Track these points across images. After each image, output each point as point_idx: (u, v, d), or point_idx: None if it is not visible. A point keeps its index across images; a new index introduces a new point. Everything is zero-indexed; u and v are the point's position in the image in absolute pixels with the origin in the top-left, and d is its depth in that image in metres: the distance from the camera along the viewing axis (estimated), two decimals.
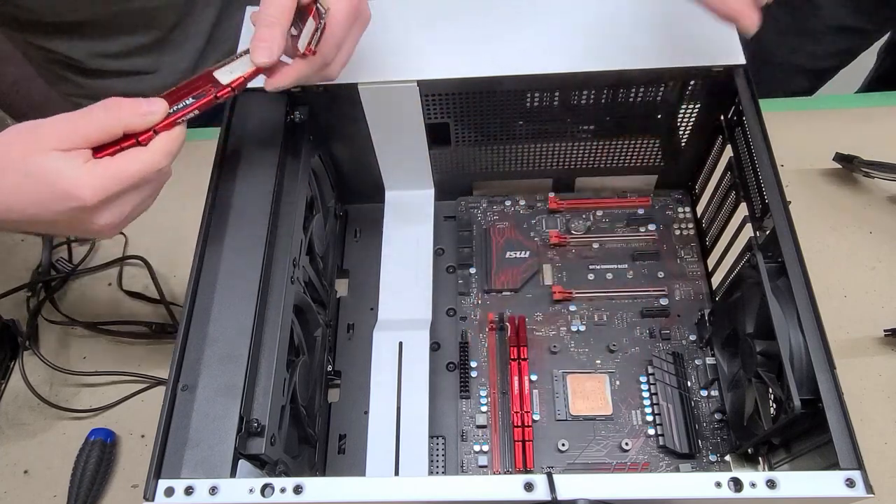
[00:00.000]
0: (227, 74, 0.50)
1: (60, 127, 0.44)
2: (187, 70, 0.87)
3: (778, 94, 0.87)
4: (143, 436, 0.67)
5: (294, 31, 0.49)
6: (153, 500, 0.42)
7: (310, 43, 0.49)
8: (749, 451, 0.59)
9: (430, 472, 0.61)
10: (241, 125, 0.59)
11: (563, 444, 0.62)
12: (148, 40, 0.83)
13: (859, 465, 0.42)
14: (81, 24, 0.78)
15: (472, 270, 0.73)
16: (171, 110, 0.48)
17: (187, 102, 0.49)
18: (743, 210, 0.60)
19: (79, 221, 0.45)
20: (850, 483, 0.42)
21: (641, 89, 0.63)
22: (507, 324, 0.68)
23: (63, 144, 0.43)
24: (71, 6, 0.75)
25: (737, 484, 0.41)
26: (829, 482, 0.42)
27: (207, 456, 0.44)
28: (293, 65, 0.50)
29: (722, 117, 0.64)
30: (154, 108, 0.46)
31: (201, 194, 0.55)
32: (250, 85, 0.60)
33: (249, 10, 0.66)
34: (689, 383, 0.64)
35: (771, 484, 0.41)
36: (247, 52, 0.49)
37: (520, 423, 0.62)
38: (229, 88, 0.49)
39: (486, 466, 0.63)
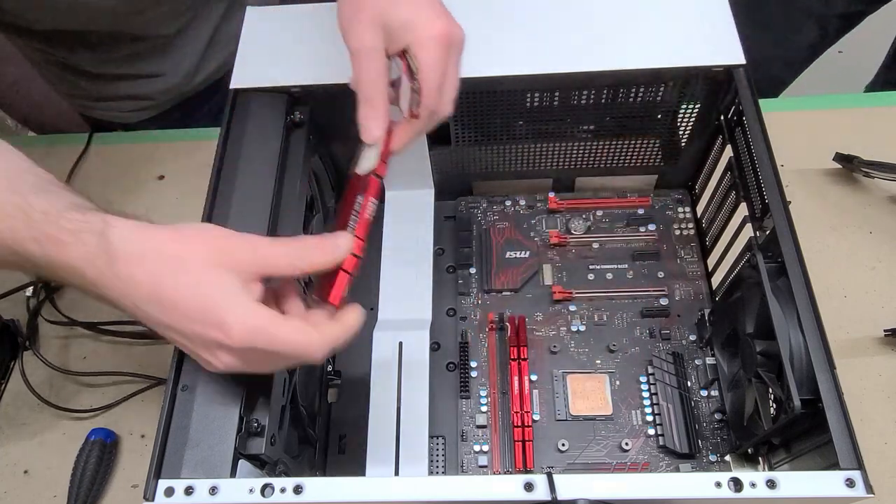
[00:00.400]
0: (365, 163, 0.49)
1: (247, 252, 0.42)
2: (190, 71, 0.87)
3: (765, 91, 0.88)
4: (143, 436, 0.67)
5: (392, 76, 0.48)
6: (153, 500, 0.43)
7: (411, 106, 0.48)
8: (749, 451, 0.59)
9: (430, 473, 0.61)
10: (241, 125, 0.59)
11: (563, 444, 0.62)
12: (151, 46, 0.83)
13: (859, 465, 0.42)
14: (84, 34, 0.78)
15: (472, 270, 0.73)
16: (352, 221, 0.47)
17: (356, 206, 0.48)
18: (743, 210, 0.60)
19: (215, 348, 0.42)
20: (850, 483, 0.42)
21: (641, 89, 0.63)
22: (507, 324, 0.68)
23: (243, 269, 0.42)
24: (73, 20, 0.75)
25: (737, 484, 0.41)
26: (829, 482, 0.42)
27: (207, 456, 0.44)
28: (404, 127, 0.49)
29: (722, 117, 0.64)
30: (341, 244, 0.45)
31: (201, 194, 0.55)
32: (249, 85, 0.61)
33: (250, 10, 0.66)
34: (689, 383, 0.64)
35: (771, 484, 0.41)
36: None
37: (520, 423, 0.62)
38: (373, 173, 0.49)
39: (486, 466, 0.63)
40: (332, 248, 0.45)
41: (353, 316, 0.45)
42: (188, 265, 0.41)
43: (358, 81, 0.47)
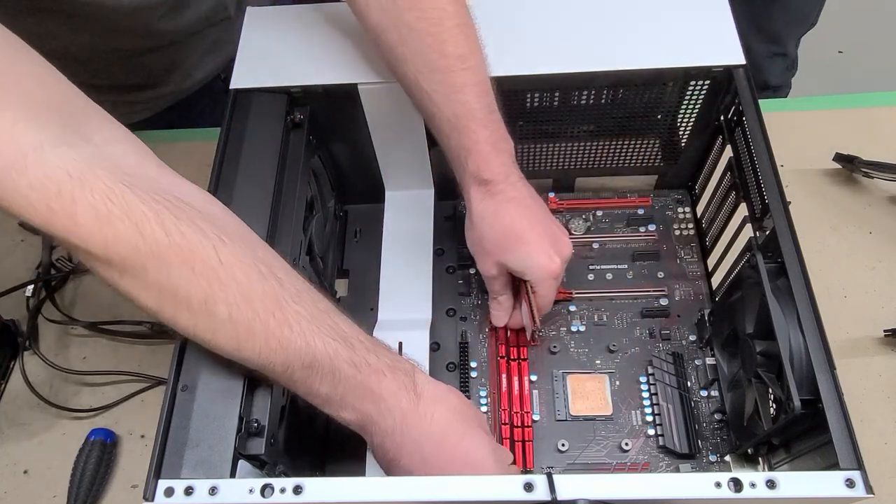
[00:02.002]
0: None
1: (486, 426, 0.53)
2: (190, 75, 0.86)
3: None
4: (143, 436, 0.67)
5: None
6: (153, 500, 0.42)
7: (533, 321, 0.61)
8: (749, 451, 0.59)
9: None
10: (241, 125, 0.59)
11: (563, 445, 0.62)
12: (159, 58, 0.83)
13: (859, 466, 0.42)
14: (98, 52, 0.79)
15: (472, 270, 0.72)
16: None
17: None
18: (743, 210, 0.60)
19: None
20: (850, 483, 0.42)
21: (641, 89, 0.63)
22: (506, 326, 0.68)
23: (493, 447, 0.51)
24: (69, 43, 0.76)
25: (737, 484, 0.41)
26: (829, 482, 0.42)
27: (207, 456, 0.44)
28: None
29: (722, 117, 0.64)
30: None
31: None
32: (249, 85, 0.61)
33: (250, 10, 0.66)
34: (689, 383, 0.64)
35: (771, 484, 0.41)
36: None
37: (519, 423, 0.62)
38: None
39: None
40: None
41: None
42: (469, 421, 0.50)
43: (490, 290, 0.64)
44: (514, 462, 0.59)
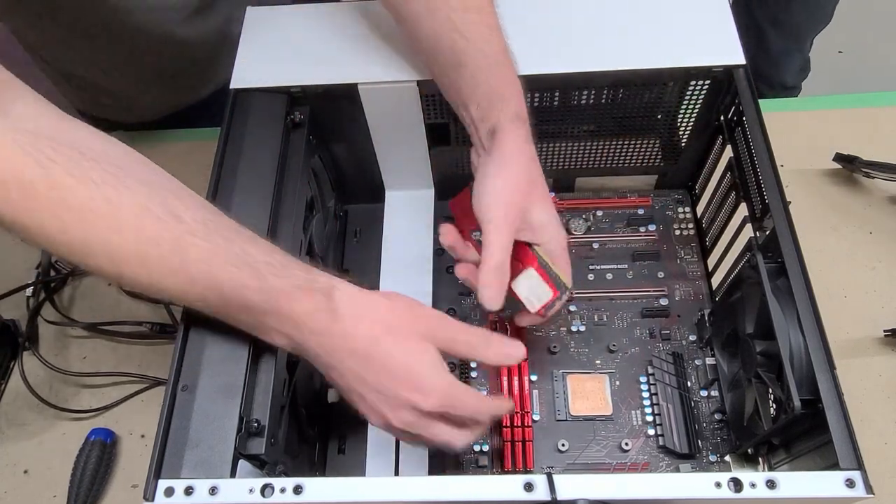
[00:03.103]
0: (524, 284, 0.55)
1: (444, 332, 0.48)
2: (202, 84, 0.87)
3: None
4: (143, 436, 0.67)
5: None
6: (153, 500, 0.43)
7: (544, 307, 0.55)
8: (749, 451, 0.59)
9: (430, 472, 0.61)
10: (241, 125, 0.59)
11: (563, 445, 0.62)
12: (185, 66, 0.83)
13: (859, 466, 0.42)
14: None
15: None
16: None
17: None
18: (743, 210, 0.60)
19: (386, 400, 0.46)
20: (850, 483, 0.42)
21: (641, 89, 0.63)
22: (507, 324, 0.68)
23: (441, 346, 0.48)
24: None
25: (737, 484, 0.41)
26: (829, 482, 0.42)
27: (207, 456, 0.44)
28: (528, 318, 0.58)
29: (722, 117, 0.64)
30: (515, 355, 0.51)
31: (201, 194, 0.54)
32: (249, 85, 0.61)
33: (250, 10, 0.66)
34: (689, 383, 0.64)
35: (771, 484, 0.41)
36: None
37: (519, 424, 0.62)
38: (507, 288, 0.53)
39: (486, 466, 0.63)
40: (505, 357, 0.51)
41: (507, 402, 0.53)
42: (401, 332, 0.47)
43: (491, 253, 0.52)
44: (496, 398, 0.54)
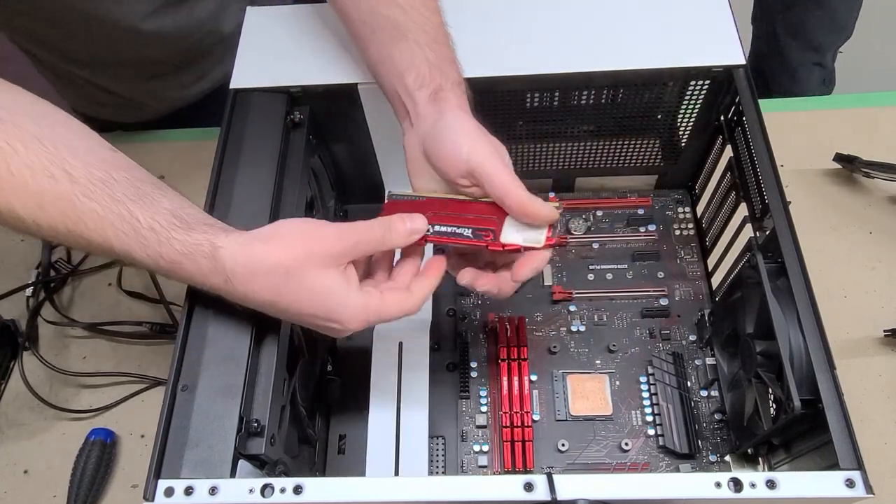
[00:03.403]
0: (512, 231, 0.49)
1: (341, 244, 0.47)
2: (195, 83, 0.86)
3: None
4: (143, 436, 0.67)
5: None
6: (153, 500, 0.42)
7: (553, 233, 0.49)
8: (749, 451, 0.59)
9: (430, 473, 0.61)
10: (241, 125, 0.59)
11: (563, 445, 0.62)
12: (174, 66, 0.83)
13: (859, 466, 0.42)
14: (125, 62, 0.79)
15: None
16: (445, 230, 0.50)
17: (464, 233, 0.50)
18: (743, 210, 0.60)
19: (328, 330, 0.48)
20: (850, 483, 0.42)
21: (641, 89, 0.63)
22: (506, 325, 0.67)
23: (341, 261, 0.47)
24: (120, 50, 0.76)
25: (737, 484, 0.41)
26: (828, 482, 0.42)
27: (207, 456, 0.44)
28: (542, 255, 0.50)
29: (722, 117, 0.64)
30: (418, 228, 0.50)
31: (201, 194, 0.55)
32: (249, 85, 0.61)
33: (250, 10, 0.66)
34: (689, 383, 0.64)
35: (771, 484, 0.41)
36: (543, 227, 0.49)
37: (520, 424, 0.62)
38: (501, 247, 0.49)
39: (486, 466, 0.63)
40: (409, 234, 0.50)
41: (435, 266, 0.52)
42: (297, 275, 0.45)
43: (510, 179, 0.49)
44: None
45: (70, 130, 0.47)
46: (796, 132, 0.81)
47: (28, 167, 0.43)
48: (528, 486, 0.42)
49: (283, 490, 0.42)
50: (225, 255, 0.45)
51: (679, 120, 0.67)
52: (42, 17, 0.71)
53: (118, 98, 0.85)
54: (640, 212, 0.75)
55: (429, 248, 0.55)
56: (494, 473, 0.62)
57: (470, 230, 0.50)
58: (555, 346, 0.67)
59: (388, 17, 0.53)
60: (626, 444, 0.62)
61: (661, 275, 0.71)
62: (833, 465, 0.43)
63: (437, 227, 0.50)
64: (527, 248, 0.49)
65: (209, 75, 0.86)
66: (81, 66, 0.80)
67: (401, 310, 0.49)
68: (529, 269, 0.51)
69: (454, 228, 0.50)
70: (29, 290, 0.74)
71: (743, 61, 0.60)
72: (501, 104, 0.63)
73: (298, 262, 0.45)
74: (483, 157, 0.49)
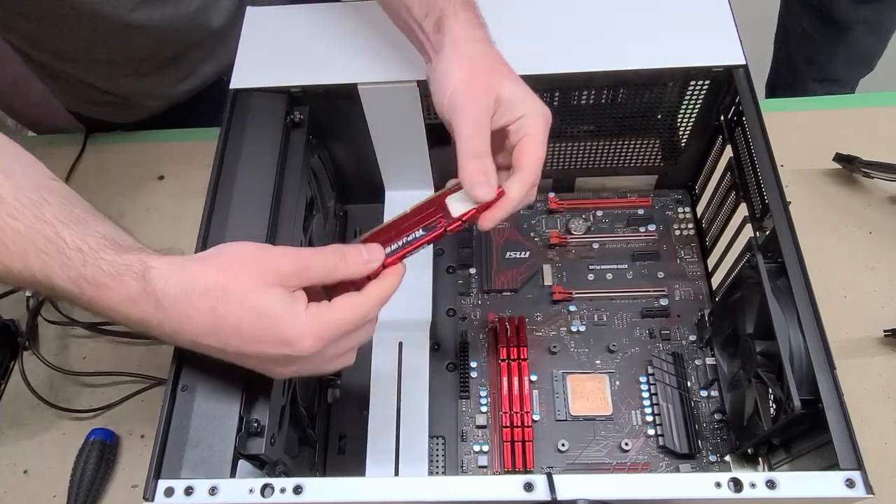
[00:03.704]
0: (459, 204, 0.48)
1: (289, 265, 0.43)
2: (189, 79, 0.86)
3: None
4: (143, 436, 0.67)
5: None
6: (153, 500, 0.43)
7: (509, 184, 0.48)
8: (749, 451, 0.59)
9: (430, 473, 0.61)
10: (241, 125, 0.59)
11: (563, 445, 0.62)
12: (161, 62, 0.83)
13: (859, 466, 0.43)
14: (113, 59, 0.79)
15: (472, 270, 0.72)
16: (400, 243, 0.48)
17: (417, 235, 0.48)
18: (743, 210, 0.60)
19: (288, 361, 0.43)
20: (850, 483, 0.42)
21: (641, 89, 0.63)
22: (506, 325, 0.67)
23: (288, 284, 0.43)
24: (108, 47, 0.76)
25: (737, 484, 0.41)
26: (828, 482, 0.42)
27: (207, 456, 0.44)
28: (510, 200, 0.48)
29: (722, 117, 0.64)
30: (375, 257, 0.47)
31: (201, 194, 0.55)
32: (249, 85, 0.61)
33: (250, 10, 0.66)
34: (689, 383, 0.64)
35: (771, 484, 0.41)
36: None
37: (520, 424, 0.62)
38: (459, 222, 0.48)
39: (486, 466, 0.63)
40: (365, 264, 0.46)
41: (394, 270, 0.48)
42: (237, 294, 0.41)
43: (467, 138, 0.47)
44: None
45: (11, 155, 0.44)
46: (796, 132, 0.81)
47: None
48: (528, 486, 0.42)
49: (283, 490, 0.42)
50: (157, 276, 0.41)
51: (679, 120, 0.67)
52: (32, 15, 0.71)
53: (111, 96, 0.84)
54: (640, 212, 0.75)
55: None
56: (494, 473, 0.62)
57: (420, 229, 0.48)
58: (555, 346, 0.67)
59: None
60: (626, 444, 0.62)
61: (661, 275, 0.71)
62: (833, 466, 0.43)
63: (391, 247, 0.48)
64: (482, 207, 0.48)
65: (199, 72, 0.86)
66: (73, 63, 0.80)
67: (354, 312, 0.44)
68: (492, 220, 0.49)
69: (406, 237, 0.48)
70: (29, 290, 0.74)
71: (743, 61, 0.60)
72: None
73: (240, 281, 0.41)
74: (459, 107, 0.46)
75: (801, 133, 0.81)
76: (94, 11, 0.71)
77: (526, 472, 0.61)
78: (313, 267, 0.44)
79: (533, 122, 0.49)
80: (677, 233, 0.73)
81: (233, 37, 0.84)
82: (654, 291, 0.70)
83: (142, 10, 0.74)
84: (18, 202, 0.41)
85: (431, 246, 0.70)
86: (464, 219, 0.48)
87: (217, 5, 0.81)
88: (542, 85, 0.62)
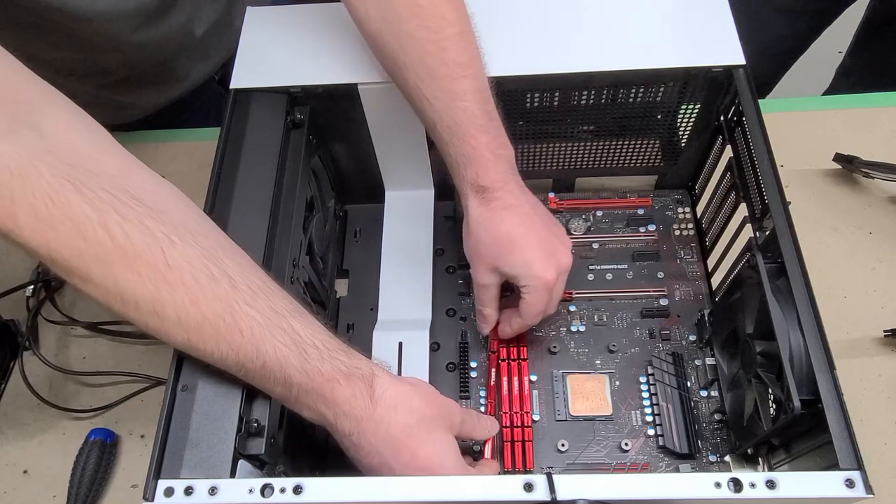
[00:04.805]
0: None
1: (458, 422, 0.52)
2: (183, 79, 0.86)
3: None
4: (143, 436, 0.67)
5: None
6: (153, 500, 0.43)
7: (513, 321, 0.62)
8: (749, 451, 0.59)
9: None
10: (241, 125, 0.59)
11: (563, 445, 0.62)
12: (155, 71, 0.83)
13: (859, 466, 0.43)
14: (101, 68, 0.78)
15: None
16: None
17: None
18: (743, 210, 0.60)
19: None
20: (850, 483, 0.42)
21: (641, 89, 0.63)
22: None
23: (455, 431, 0.52)
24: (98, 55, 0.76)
25: (736, 484, 0.41)
26: (828, 482, 0.42)
27: (207, 456, 0.45)
28: (505, 333, 0.64)
29: (722, 117, 0.64)
30: (495, 429, 0.59)
31: (201, 194, 0.55)
32: (249, 85, 0.61)
33: (250, 10, 0.66)
34: (688, 383, 0.64)
35: (770, 484, 0.41)
36: None
37: (519, 424, 0.62)
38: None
39: None
40: (489, 431, 0.58)
41: (493, 464, 0.60)
42: (431, 424, 0.49)
43: (477, 299, 0.63)
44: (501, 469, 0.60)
45: (218, 232, 0.48)
46: (796, 132, 0.81)
47: (187, 261, 0.42)
48: (528, 486, 0.42)
49: (283, 490, 0.42)
50: (380, 383, 0.48)
51: (679, 120, 0.67)
52: (26, 25, 0.70)
53: (101, 100, 0.85)
54: (640, 212, 0.75)
55: None
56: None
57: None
58: (555, 347, 0.67)
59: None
60: (626, 444, 0.62)
61: (660, 275, 0.71)
62: (833, 466, 0.43)
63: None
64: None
65: (191, 74, 0.86)
66: (66, 75, 0.80)
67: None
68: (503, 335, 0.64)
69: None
70: (29, 290, 0.74)
71: (743, 61, 0.60)
72: (501, 105, 0.63)
73: (433, 414, 0.50)
74: (472, 264, 0.60)
75: (801, 133, 0.81)
76: (96, 33, 0.71)
77: (526, 472, 0.61)
78: (466, 423, 0.53)
79: (534, 289, 0.57)
80: (677, 233, 0.73)
81: (222, 37, 0.84)
82: (653, 291, 0.70)
83: (140, 31, 0.74)
84: (250, 289, 0.45)
85: (431, 246, 0.70)
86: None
87: (200, 14, 0.81)
88: (542, 85, 0.62)
